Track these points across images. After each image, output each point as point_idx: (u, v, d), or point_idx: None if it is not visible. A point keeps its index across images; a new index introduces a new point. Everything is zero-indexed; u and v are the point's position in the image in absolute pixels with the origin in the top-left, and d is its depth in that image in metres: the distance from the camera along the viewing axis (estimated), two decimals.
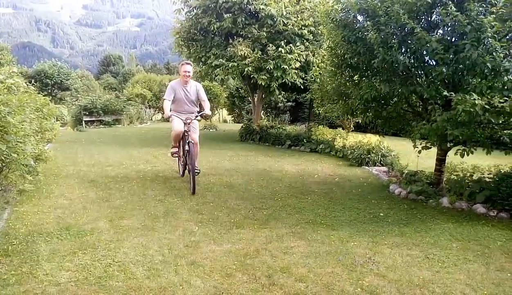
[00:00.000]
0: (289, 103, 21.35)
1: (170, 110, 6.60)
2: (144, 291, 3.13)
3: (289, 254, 3.92)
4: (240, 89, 23.25)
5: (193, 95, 6.69)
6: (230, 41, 12.22)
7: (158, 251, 3.92)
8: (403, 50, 5.60)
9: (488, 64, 4.72)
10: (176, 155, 7.20)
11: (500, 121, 4.88)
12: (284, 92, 16.39)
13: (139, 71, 51.83)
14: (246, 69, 11.85)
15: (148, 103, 28.46)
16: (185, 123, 6.46)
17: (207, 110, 6.54)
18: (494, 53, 4.73)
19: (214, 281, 3.33)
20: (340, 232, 4.57)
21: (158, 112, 29.53)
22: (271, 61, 11.80)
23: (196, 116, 6.60)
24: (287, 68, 11.84)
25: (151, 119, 27.38)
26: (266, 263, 3.70)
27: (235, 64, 11.96)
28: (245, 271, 3.53)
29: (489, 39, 4.75)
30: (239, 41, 11.98)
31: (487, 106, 4.55)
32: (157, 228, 4.60)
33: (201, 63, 13.22)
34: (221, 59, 12.25)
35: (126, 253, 3.86)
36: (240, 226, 4.73)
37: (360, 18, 6.12)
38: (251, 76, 12.33)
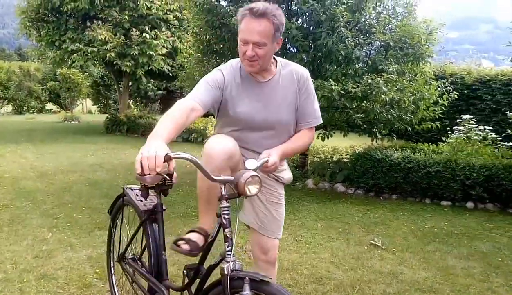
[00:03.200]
0: (160, 92, 20.67)
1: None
2: None
3: None
4: (104, 77, 21.67)
5: (284, 108, 2.05)
6: (88, 24, 11.23)
7: None
8: None
9: (341, 52, 5.03)
10: None
11: (354, 106, 5.29)
12: (152, 80, 15.79)
13: None
14: (108, 55, 11.05)
15: None
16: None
17: (275, 156, 1.92)
18: (346, 42, 5.06)
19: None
20: None
21: (8, 104, 25.91)
22: (135, 47, 11.22)
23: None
24: (153, 54, 11.39)
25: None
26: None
27: (95, 49, 11.08)
28: (107, 277, 3.16)
29: (342, 28, 5.06)
30: (98, 24, 11.05)
31: (342, 92, 4.87)
32: None
33: (55, 47, 11.93)
34: (78, 44, 11.26)
35: None
36: (104, 227, 4.25)
37: (223, 3, 6.03)
38: (114, 62, 11.53)
